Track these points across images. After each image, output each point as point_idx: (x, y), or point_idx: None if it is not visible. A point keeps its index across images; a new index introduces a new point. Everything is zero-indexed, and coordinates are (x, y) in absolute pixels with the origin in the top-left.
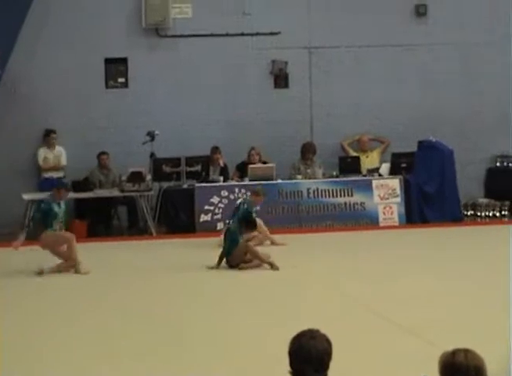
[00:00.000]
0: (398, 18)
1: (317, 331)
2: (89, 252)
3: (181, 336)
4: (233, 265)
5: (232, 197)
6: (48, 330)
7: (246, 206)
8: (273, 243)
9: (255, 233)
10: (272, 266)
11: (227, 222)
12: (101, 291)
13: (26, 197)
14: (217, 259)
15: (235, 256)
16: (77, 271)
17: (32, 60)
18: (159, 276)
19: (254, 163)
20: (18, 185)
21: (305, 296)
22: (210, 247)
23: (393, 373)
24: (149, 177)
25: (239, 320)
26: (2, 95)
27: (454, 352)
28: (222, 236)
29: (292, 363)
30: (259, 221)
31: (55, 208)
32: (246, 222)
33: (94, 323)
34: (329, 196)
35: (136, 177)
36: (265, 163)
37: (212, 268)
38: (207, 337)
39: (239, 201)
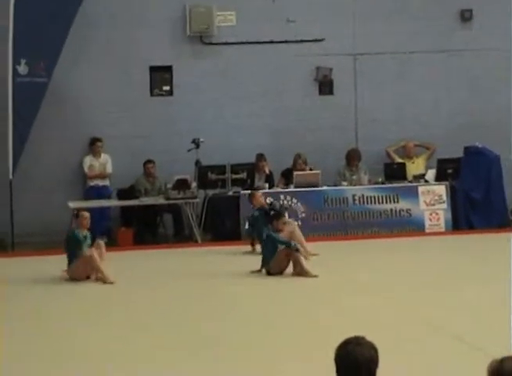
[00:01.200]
0: (443, 23)
1: (363, 338)
2: (135, 260)
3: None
4: (273, 273)
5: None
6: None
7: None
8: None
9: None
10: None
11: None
12: (133, 298)
13: (72, 205)
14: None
15: (275, 264)
16: (103, 280)
17: (77, 69)
18: (198, 282)
19: (300, 170)
20: (64, 193)
21: (351, 303)
22: (254, 255)
23: None
24: (194, 184)
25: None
26: (48, 103)
27: (502, 360)
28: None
29: (338, 371)
30: (294, 225)
31: (81, 238)
32: (270, 215)
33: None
34: (374, 202)
35: (181, 185)
36: (310, 170)
37: (254, 272)
38: (244, 345)
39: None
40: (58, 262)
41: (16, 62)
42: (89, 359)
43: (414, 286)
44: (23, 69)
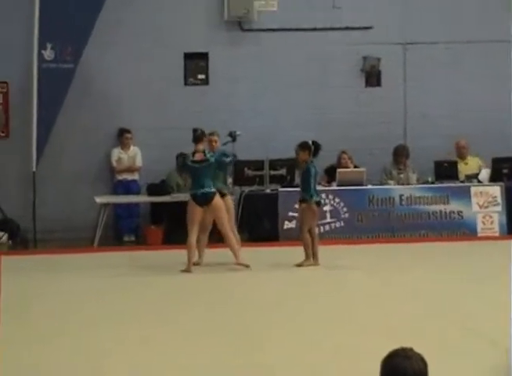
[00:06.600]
0: (500, 11)
1: (411, 350)
2: (164, 259)
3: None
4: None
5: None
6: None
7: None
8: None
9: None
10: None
11: None
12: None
13: (99, 200)
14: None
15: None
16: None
17: (107, 55)
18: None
19: (344, 167)
20: (90, 187)
21: (393, 310)
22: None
23: None
24: (229, 180)
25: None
26: (75, 91)
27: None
28: None
29: None
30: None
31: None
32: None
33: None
34: (423, 203)
35: None
36: (355, 167)
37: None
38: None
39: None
40: (82, 260)
41: (41, 46)
42: None
43: (455, 293)
44: (49, 54)
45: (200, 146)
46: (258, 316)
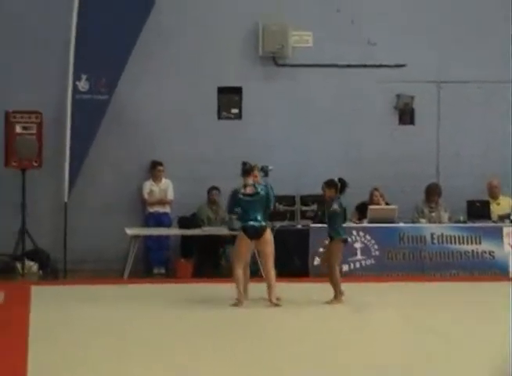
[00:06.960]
0: None
1: None
2: (194, 293)
3: None
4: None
5: (349, 239)
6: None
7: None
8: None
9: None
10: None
11: None
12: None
13: (129, 232)
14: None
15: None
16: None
17: (140, 88)
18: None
19: (376, 204)
20: (121, 219)
21: (416, 348)
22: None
23: None
24: None
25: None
26: (108, 123)
27: None
28: None
29: None
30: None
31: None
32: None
33: None
34: (455, 242)
35: None
36: (387, 204)
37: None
38: None
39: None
40: (112, 292)
41: (76, 77)
42: None
43: (484, 333)
44: (83, 85)
45: (249, 180)
46: (281, 351)
